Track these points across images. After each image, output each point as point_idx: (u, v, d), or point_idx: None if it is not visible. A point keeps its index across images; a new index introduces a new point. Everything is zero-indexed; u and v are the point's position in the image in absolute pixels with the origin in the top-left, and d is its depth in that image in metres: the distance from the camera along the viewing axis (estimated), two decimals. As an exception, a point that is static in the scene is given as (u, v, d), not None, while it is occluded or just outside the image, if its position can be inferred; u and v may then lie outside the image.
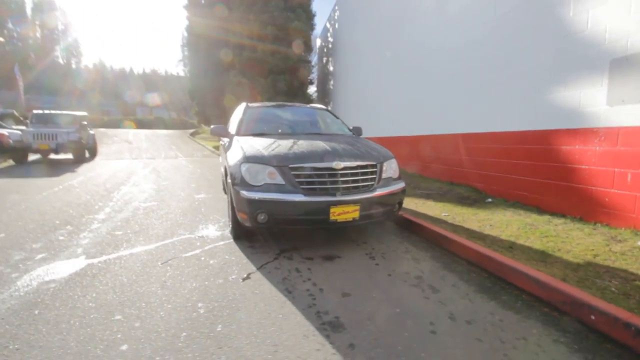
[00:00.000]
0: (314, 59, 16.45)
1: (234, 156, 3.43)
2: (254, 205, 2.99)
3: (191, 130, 33.90)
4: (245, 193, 3.02)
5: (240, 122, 4.33)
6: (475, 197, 5.00)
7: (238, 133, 4.12)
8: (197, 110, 21.08)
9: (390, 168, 3.47)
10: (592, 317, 1.92)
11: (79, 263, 2.85)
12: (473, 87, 5.43)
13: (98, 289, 2.38)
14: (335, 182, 3.07)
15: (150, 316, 2.03)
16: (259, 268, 2.80)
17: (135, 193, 5.99)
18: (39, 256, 2.98)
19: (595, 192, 3.53)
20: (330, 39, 16.05)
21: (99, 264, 2.83)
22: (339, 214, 3.00)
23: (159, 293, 2.33)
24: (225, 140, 4.65)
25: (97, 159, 12.19)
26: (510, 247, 3.05)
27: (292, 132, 4.25)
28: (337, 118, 4.89)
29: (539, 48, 4.16)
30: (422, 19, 7.08)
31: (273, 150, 3.35)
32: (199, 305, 2.17)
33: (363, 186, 3.18)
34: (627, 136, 3.22)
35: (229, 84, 15.30)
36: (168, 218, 4.33)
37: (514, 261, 2.61)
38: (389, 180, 3.39)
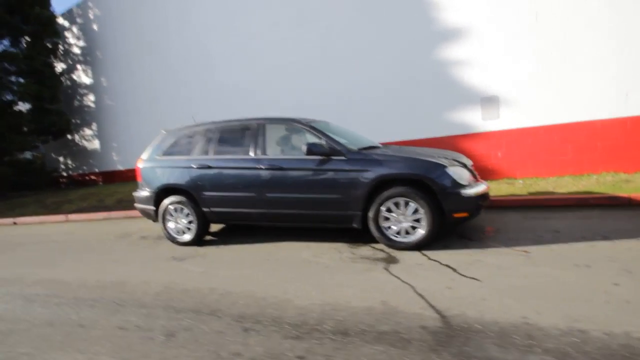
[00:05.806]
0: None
1: (421, 164, 3.54)
2: (478, 200, 3.56)
3: None
4: (468, 192, 3.49)
5: (331, 140, 3.93)
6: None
7: (349, 150, 3.84)
8: None
9: None
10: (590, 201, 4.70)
11: None
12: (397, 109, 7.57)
13: None
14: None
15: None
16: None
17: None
18: None
19: (482, 164, 6.79)
20: (81, 43, 12.23)
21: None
22: (488, 196, 4.18)
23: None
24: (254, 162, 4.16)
25: None
26: (504, 196, 5.52)
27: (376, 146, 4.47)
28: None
29: (437, 90, 6.98)
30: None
31: (432, 157, 3.80)
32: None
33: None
34: (494, 135, 6.64)
35: None
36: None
37: (549, 195, 5.07)
38: None
